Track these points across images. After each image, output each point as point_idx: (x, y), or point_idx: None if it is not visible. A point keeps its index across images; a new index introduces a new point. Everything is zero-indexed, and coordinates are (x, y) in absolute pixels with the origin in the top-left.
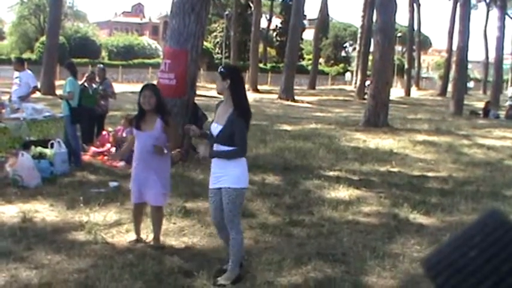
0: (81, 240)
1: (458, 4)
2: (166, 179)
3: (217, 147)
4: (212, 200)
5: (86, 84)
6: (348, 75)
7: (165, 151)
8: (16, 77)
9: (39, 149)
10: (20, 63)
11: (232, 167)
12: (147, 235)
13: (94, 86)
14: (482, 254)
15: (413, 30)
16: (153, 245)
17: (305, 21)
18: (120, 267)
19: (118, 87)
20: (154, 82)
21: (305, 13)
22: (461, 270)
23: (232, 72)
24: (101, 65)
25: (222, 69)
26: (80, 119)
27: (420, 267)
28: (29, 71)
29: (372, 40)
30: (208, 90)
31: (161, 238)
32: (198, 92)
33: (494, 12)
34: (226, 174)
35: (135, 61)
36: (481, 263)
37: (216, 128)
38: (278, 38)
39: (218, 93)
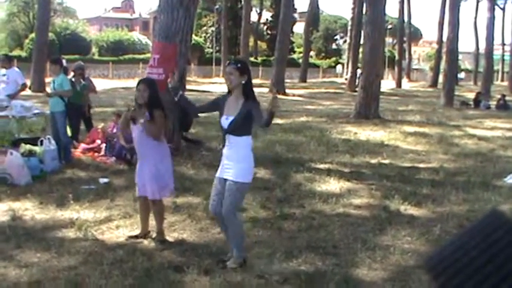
0: (71, 237)
1: None
2: (165, 172)
3: (228, 137)
4: (215, 187)
5: (73, 80)
6: (339, 67)
7: (141, 120)
8: (3, 75)
9: (28, 146)
10: (7, 61)
11: (240, 160)
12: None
13: (82, 82)
14: (483, 254)
15: (404, 21)
16: (155, 238)
17: (295, 14)
18: (110, 264)
19: (109, 83)
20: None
21: (295, 6)
22: (462, 270)
23: (248, 68)
24: (81, 62)
25: (239, 65)
26: (69, 116)
27: (413, 260)
28: (17, 68)
29: (362, 32)
30: (199, 84)
31: (152, 234)
32: (188, 87)
33: (484, 3)
34: (234, 167)
35: (126, 57)
36: (482, 263)
37: (227, 120)
38: (268, 32)
39: (230, 88)
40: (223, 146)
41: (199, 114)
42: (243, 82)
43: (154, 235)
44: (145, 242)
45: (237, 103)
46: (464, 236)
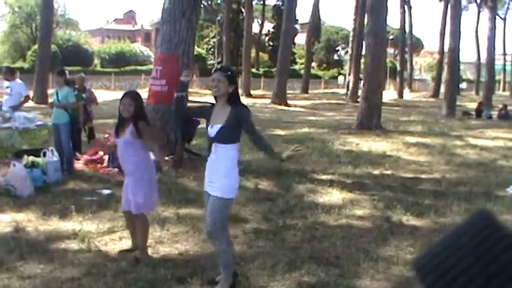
0: (74, 248)
1: (449, 6)
2: (149, 187)
3: (216, 146)
4: (206, 201)
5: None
6: (340, 78)
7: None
8: (7, 87)
9: (31, 158)
10: (10, 73)
11: (225, 174)
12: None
13: (83, 94)
14: (470, 254)
15: (405, 32)
16: (138, 254)
17: (297, 26)
18: (114, 275)
19: (111, 95)
20: (147, 89)
21: (297, 17)
22: (450, 270)
23: (236, 77)
24: (82, 74)
25: (229, 73)
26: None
27: (412, 269)
28: (19, 80)
29: (364, 43)
30: (202, 96)
31: (155, 245)
32: (191, 98)
33: (485, 14)
34: (218, 182)
35: (128, 68)
36: (469, 263)
37: (212, 128)
38: (270, 43)
39: (215, 96)
40: (209, 154)
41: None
42: (230, 91)
43: (148, 251)
44: (149, 253)
45: (224, 111)
46: (452, 236)
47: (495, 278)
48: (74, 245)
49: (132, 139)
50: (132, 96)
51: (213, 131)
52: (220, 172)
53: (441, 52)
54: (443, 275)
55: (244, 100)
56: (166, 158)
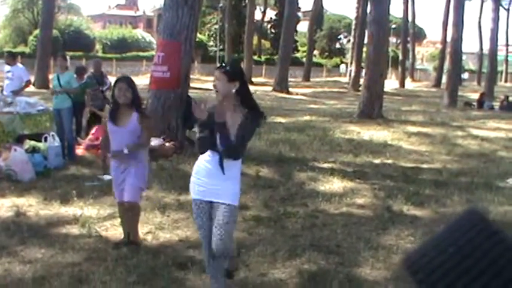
0: (75, 233)
1: None
2: (142, 175)
3: (226, 160)
4: (201, 214)
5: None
6: (342, 67)
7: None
8: (8, 71)
9: (32, 142)
10: (11, 58)
11: (231, 181)
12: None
13: (83, 80)
14: (460, 250)
15: (408, 21)
16: (129, 241)
17: (299, 13)
18: (114, 260)
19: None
20: (148, 75)
21: (299, 5)
22: (440, 267)
23: (240, 73)
24: (99, 59)
25: (228, 69)
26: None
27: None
28: (21, 65)
29: (366, 32)
30: (203, 82)
31: (155, 231)
32: (192, 85)
33: (489, 4)
34: (225, 188)
35: (129, 54)
36: (459, 260)
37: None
38: (272, 30)
39: (217, 98)
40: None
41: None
42: (234, 90)
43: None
44: (149, 239)
45: (235, 117)
46: (443, 233)
47: (484, 274)
48: (74, 230)
49: (136, 127)
50: (127, 81)
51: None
52: (228, 175)
53: (443, 42)
54: (434, 270)
55: None
56: (168, 144)
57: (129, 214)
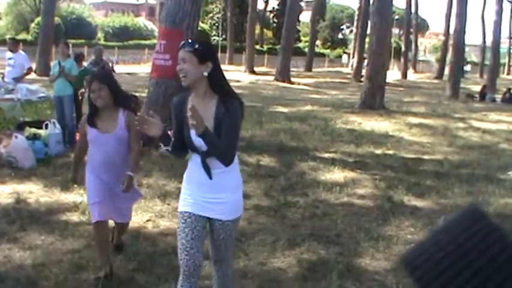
0: (75, 220)
1: None
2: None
3: (211, 161)
4: (192, 229)
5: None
6: (344, 57)
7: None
8: (9, 58)
9: (33, 129)
10: (14, 44)
11: (234, 188)
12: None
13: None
14: (459, 248)
15: (411, 12)
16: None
17: (302, 3)
18: (114, 248)
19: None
20: (150, 63)
21: None
22: (439, 264)
23: (212, 52)
24: (101, 46)
25: (198, 47)
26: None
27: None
28: (23, 52)
29: (369, 22)
30: None
31: (155, 219)
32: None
33: None
34: (226, 201)
35: (131, 42)
36: (458, 257)
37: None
38: (275, 20)
39: (185, 85)
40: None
41: None
42: (206, 74)
43: (149, 225)
44: (149, 227)
45: (206, 107)
46: (442, 230)
47: (482, 271)
48: (74, 217)
49: (126, 133)
50: (99, 79)
51: (200, 140)
52: (229, 187)
53: (446, 34)
54: (432, 267)
55: (248, 76)
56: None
57: (120, 225)
